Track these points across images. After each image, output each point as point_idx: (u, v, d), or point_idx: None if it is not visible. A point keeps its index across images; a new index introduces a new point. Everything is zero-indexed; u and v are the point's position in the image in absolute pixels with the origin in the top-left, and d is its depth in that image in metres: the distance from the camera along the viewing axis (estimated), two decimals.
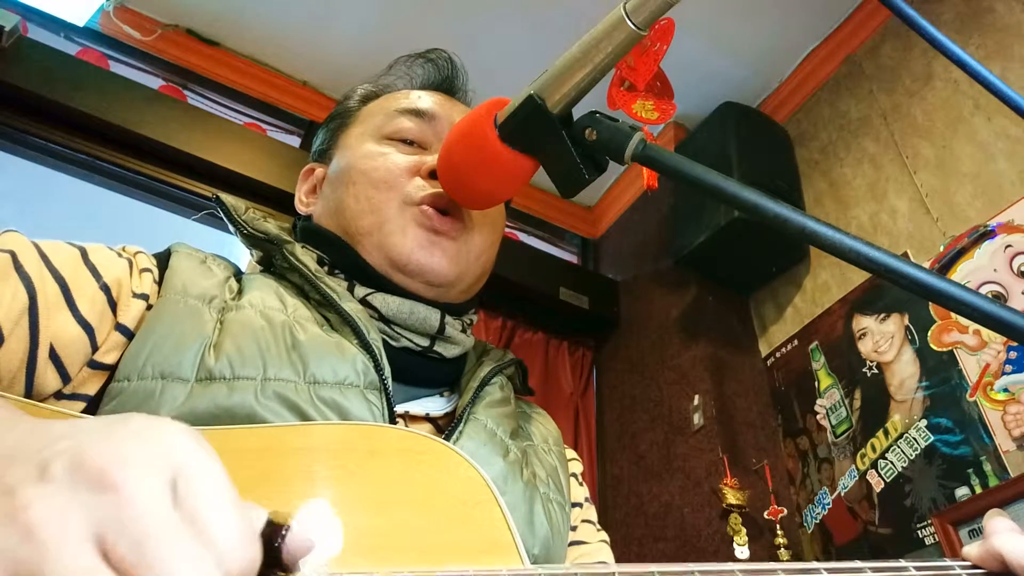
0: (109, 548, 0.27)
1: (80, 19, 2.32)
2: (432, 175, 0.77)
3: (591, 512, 0.85)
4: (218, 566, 0.28)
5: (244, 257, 0.89)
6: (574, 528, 0.80)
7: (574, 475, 0.86)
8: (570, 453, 0.89)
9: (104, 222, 2.48)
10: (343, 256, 0.77)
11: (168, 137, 2.21)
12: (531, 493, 0.69)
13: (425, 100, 0.86)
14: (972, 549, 0.51)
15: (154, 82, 2.46)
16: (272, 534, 0.32)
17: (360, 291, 0.74)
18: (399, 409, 0.70)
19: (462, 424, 0.70)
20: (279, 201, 2.26)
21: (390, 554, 0.46)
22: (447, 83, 0.92)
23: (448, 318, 0.77)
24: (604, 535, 0.84)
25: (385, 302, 0.73)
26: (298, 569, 0.33)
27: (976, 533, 1.60)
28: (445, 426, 0.72)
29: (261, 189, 2.29)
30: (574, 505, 0.81)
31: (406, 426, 0.70)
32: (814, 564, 0.44)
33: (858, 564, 0.46)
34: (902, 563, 0.48)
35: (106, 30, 2.44)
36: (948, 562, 0.50)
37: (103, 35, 2.44)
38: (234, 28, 2.56)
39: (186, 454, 0.30)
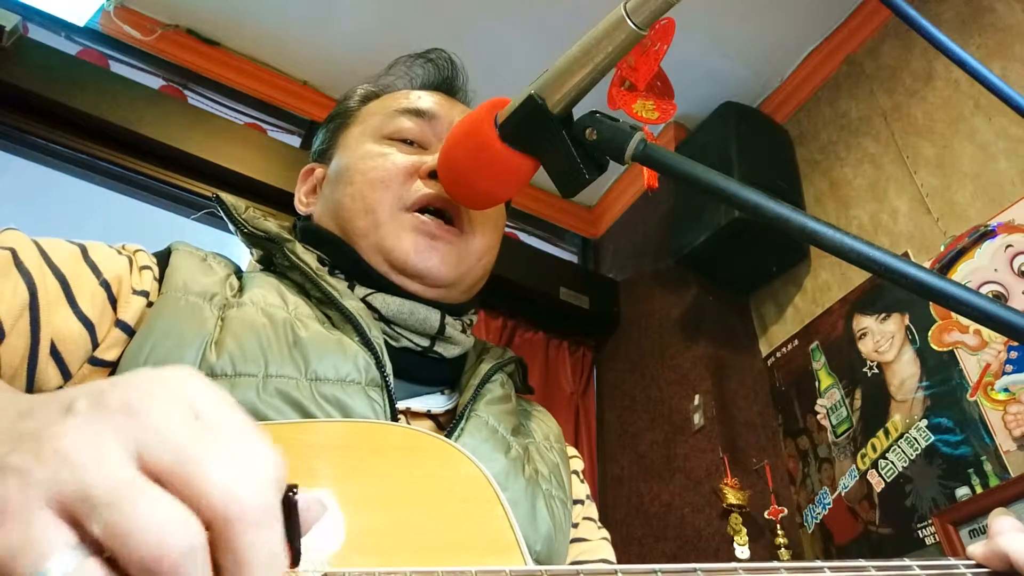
0: (149, 460, 0.27)
1: (81, 19, 2.32)
2: (431, 176, 0.77)
3: (592, 510, 0.85)
4: (255, 467, 0.29)
5: (244, 257, 0.89)
6: (575, 525, 0.80)
7: (575, 472, 0.86)
8: (571, 451, 0.89)
9: (104, 222, 2.48)
10: (343, 257, 0.77)
11: (168, 137, 2.21)
12: (533, 489, 0.70)
13: (425, 100, 0.85)
14: (977, 548, 0.51)
15: (154, 82, 2.46)
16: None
17: (360, 291, 0.74)
18: (401, 406, 0.69)
19: (463, 421, 0.70)
20: (280, 201, 2.26)
21: (392, 552, 0.46)
22: (447, 83, 0.91)
23: (448, 318, 0.77)
24: (605, 532, 0.84)
25: (385, 302, 0.73)
26: (305, 563, 0.33)
27: (976, 533, 1.60)
28: (446, 423, 0.72)
29: (262, 189, 2.29)
30: (576, 502, 0.81)
31: (408, 423, 0.70)
32: (817, 563, 0.44)
33: (862, 563, 0.46)
34: (906, 562, 0.48)
35: (106, 30, 2.44)
36: (953, 561, 0.50)
37: (104, 35, 2.44)
38: (235, 28, 2.56)
39: (199, 389, 0.32)
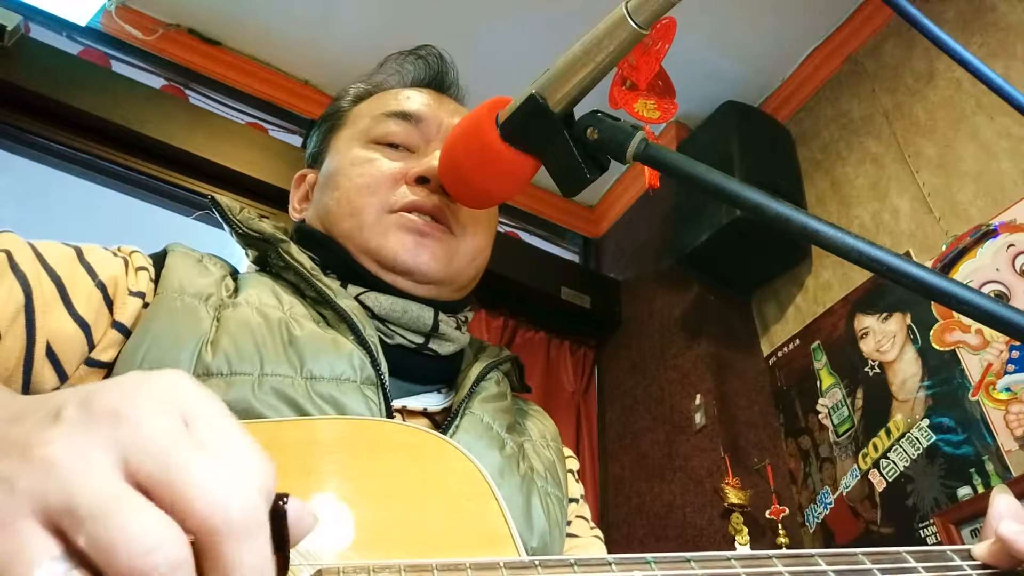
0: (135, 470, 0.27)
1: (82, 19, 2.32)
2: (418, 181, 0.78)
3: (585, 509, 0.86)
4: (242, 476, 0.29)
5: (243, 259, 0.89)
6: (569, 522, 0.80)
7: (571, 471, 0.87)
8: (567, 451, 0.89)
9: (105, 221, 2.48)
10: (335, 257, 0.78)
11: (170, 136, 2.21)
12: (528, 486, 0.70)
13: (413, 101, 0.86)
14: (981, 549, 0.48)
15: (156, 81, 2.46)
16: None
17: (353, 290, 0.75)
18: (397, 404, 0.70)
19: (458, 418, 0.70)
20: (281, 200, 2.24)
21: (388, 548, 0.46)
22: (437, 79, 0.92)
23: (442, 315, 0.77)
24: (598, 532, 0.84)
25: (377, 301, 0.74)
26: (298, 563, 0.33)
27: (978, 532, 1.59)
28: (442, 421, 0.72)
29: (263, 189, 2.30)
30: (571, 500, 0.82)
31: (404, 421, 0.70)
32: (810, 552, 0.43)
33: (854, 551, 0.45)
34: (899, 550, 0.47)
35: (108, 30, 2.44)
36: (955, 559, 0.48)
37: (105, 35, 2.44)
38: (236, 28, 2.56)
39: (189, 393, 0.31)
